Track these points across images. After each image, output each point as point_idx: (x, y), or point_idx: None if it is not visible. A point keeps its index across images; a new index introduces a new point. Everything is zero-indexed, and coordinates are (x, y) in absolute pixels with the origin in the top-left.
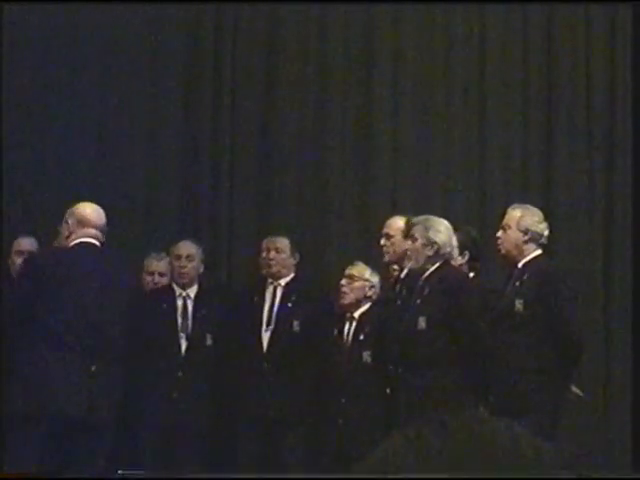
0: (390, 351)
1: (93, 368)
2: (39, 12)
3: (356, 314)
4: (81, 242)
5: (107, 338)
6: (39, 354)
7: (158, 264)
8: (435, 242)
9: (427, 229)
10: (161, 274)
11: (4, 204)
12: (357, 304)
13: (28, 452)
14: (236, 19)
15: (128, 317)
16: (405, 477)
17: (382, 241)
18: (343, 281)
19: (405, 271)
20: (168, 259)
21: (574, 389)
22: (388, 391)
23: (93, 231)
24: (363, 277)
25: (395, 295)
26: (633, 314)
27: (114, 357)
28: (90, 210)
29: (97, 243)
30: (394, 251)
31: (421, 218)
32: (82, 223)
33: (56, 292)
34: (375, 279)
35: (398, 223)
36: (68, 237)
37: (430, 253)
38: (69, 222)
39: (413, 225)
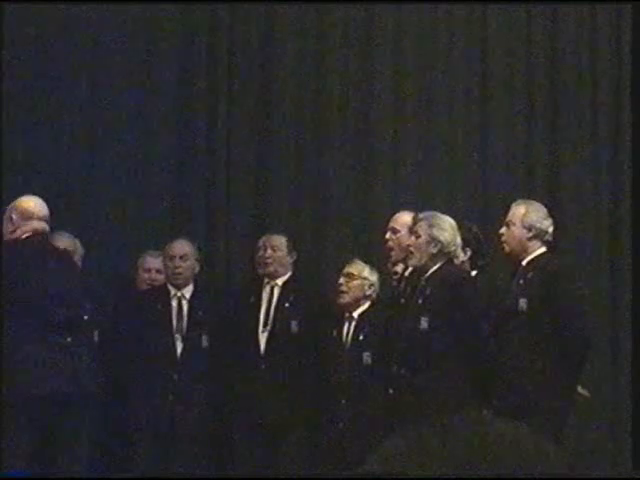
0: (392, 351)
1: (69, 339)
2: (37, 12)
3: (355, 314)
4: (28, 236)
5: (77, 313)
6: (13, 340)
7: (155, 261)
8: (439, 240)
9: (431, 226)
10: (159, 271)
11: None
12: (356, 303)
13: (19, 441)
14: (232, 17)
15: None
16: (406, 477)
17: (387, 235)
18: (341, 280)
19: (409, 270)
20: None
21: (581, 390)
22: (391, 391)
23: (37, 223)
24: (362, 275)
25: (399, 294)
26: (633, 312)
27: (88, 328)
28: (33, 203)
29: (44, 235)
30: (399, 246)
31: (427, 214)
32: (25, 217)
33: (26, 280)
34: (374, 277)
35: (405, 218)
36: (13, 232)
37: (433, 251)
38: (12, 217)
39: (418, 221)
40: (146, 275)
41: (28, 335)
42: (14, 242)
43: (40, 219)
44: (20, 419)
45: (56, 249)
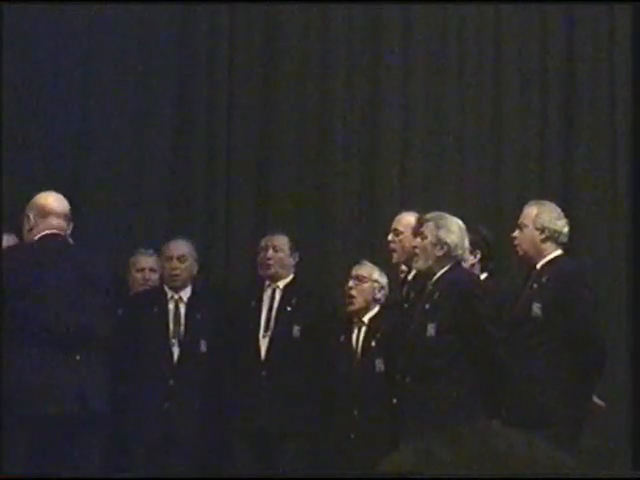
0: (397, 359)
1: (78, 357)
2: (35, 12)
3: (365, 318)
4: (45, 234)
5: (88, 328)
6: (20, 354)
7: (148, 259)
8: (445, 242)
9: (438, 227)
10: (152, 270)
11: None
12: (366, 307)
13: (21, 456)
14: (233, 17)
15: (112, 310)
16: (406, 477)
17: (390, 237)
18: (350, 283)
19: (413, 272)
20: (157, 255)
21: (596, 400)
22: (395, 401)
23: (56, 221)
24: (372, 278)
25: (402, 298)
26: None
27: (98, 345)
28: (51, 199)
29: (62, 234)
30: (402, 248)
31: (434, 215)
32: (43, 214)
33: (28, 289)
34: (384, 280)
35: (408, 219)
36: (30, 231)
37: (439, 253)
38: (30, 215)
39: (424, 222)
40: (139, 275)
41: (28, 351)
42: (28, 244)
43: (59, 216)
44: (19, 438)
45: (72, 251)
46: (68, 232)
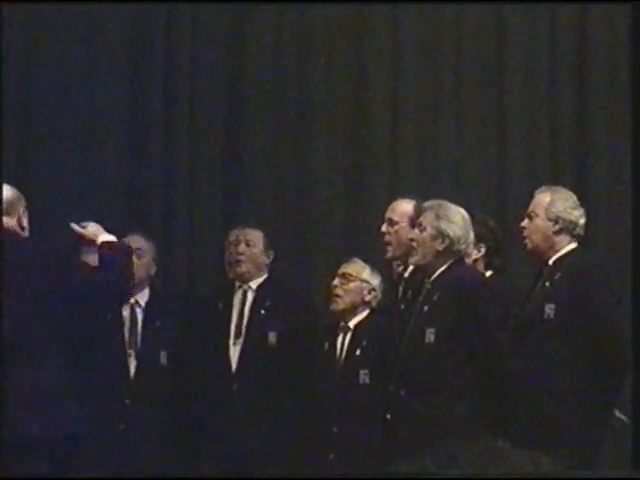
0: (390, 369)
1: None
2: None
3: (351, 323)
4: None
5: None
6: None
7: (93, 258)
8: (447, 235)
9: (439, 218)
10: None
11: None
12: (353, 311)
13: None
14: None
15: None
16: (406, 477)
17: (383, 228)
18: (335, 281)
19: (410, 269)
20: None
21: (618, 414)
22: (388, 417)
23: None
24: (360, 277)
25: (397, 299)
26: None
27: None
28: None
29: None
30: (398, 241)
31: (434, 203)
32: None
33: None
34: (375, 281)
35: (405, 207)
36: None
37: (440, 248)
38: None
39: (423, 211)
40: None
41: None
42: None
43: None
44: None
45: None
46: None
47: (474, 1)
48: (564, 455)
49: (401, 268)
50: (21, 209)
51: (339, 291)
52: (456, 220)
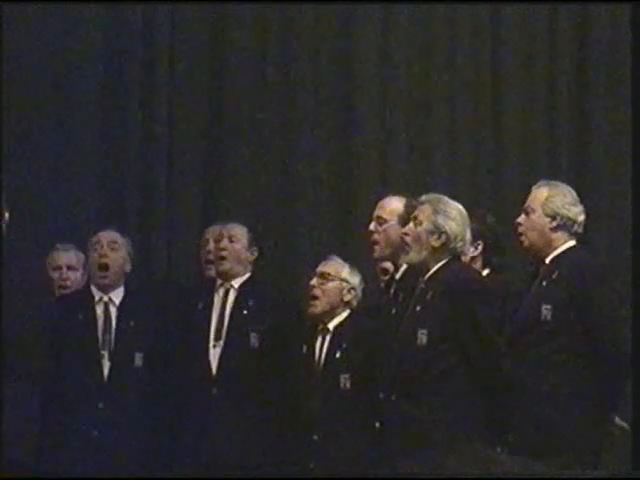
0: (381, 373)
1: None
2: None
3: (331, 325)
4: None
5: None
6: None
7: (65, 255)
8: (444, 231)
9: (437, 212)
10: (70, 267)
11: None
12: (332, 312)
13: None
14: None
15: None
16: (406, 477)
17: (371, 226)
18: (313, 281)
19: (402, 269)
20: (78, 251)
21: (618, 421)
22: (378, 425)
23: None
24: (340, 276)
25: (389, 301)
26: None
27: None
28: None
29: None
30: (387, 240)
31: (431, 197)
32: None
33: None
34: (355, 280)
35: (394, 204)
36: None
37: (436, 244)
38: None
39: (419, 204)
40: (56, 274)
41: None
42: None
43: None
44: None
45: None
46: None
47: (474, 1)
48: (563, 462)
49: (391, 270)
50: None
51: (317, 292)
52: (454, 216)
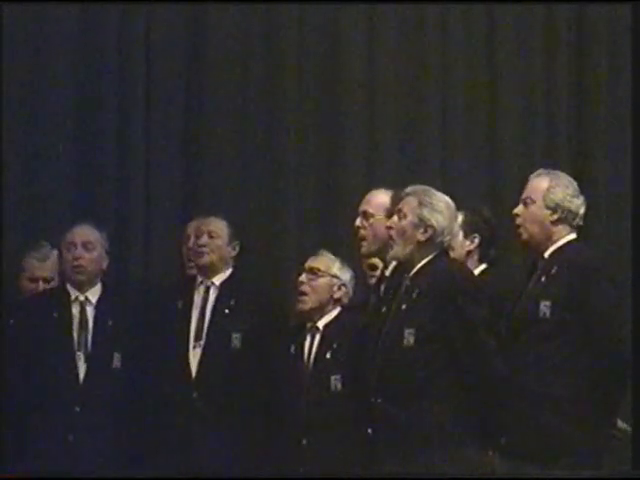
0: (367, 374)
1: None
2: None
3: (320, 324)
4: None
5: None
6: None
7: (41, 266)
8: (430, 225)
9: (422, 205)
10: (46, 280)
11: None
12: (321, 309)
13: None
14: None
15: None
16: (406, 476)
17: (357, 221)
18: (302, 277)
19: (392, 266)
20: (54, 257)
21: (620, 424)
22: (370, 431)
23: None
24: (330, 272)
25: (378, 299)
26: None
27: None
28: None
29: None
30: (374, 236)
31: (416, 188)
32: None
33: None
34: (346, 276)
35: (381, 198)
36: None
37: (422, 238)
38: None
39: (404, 196)
40: (32, 286)
41: None
42: None
43: None
44: None
45: None
46: None
47: (475, 1)
48: (562, 467)
49: (381, 267)
50: None
51: (306, 288)
52: (440, 209)
